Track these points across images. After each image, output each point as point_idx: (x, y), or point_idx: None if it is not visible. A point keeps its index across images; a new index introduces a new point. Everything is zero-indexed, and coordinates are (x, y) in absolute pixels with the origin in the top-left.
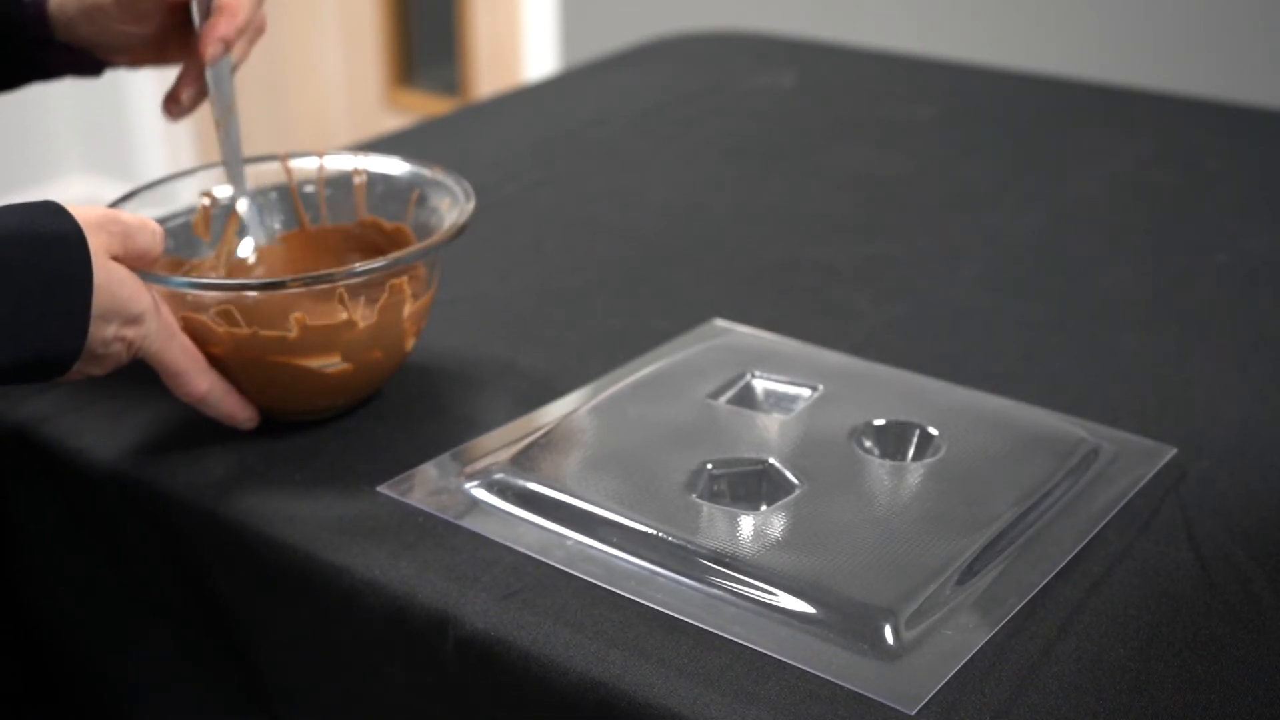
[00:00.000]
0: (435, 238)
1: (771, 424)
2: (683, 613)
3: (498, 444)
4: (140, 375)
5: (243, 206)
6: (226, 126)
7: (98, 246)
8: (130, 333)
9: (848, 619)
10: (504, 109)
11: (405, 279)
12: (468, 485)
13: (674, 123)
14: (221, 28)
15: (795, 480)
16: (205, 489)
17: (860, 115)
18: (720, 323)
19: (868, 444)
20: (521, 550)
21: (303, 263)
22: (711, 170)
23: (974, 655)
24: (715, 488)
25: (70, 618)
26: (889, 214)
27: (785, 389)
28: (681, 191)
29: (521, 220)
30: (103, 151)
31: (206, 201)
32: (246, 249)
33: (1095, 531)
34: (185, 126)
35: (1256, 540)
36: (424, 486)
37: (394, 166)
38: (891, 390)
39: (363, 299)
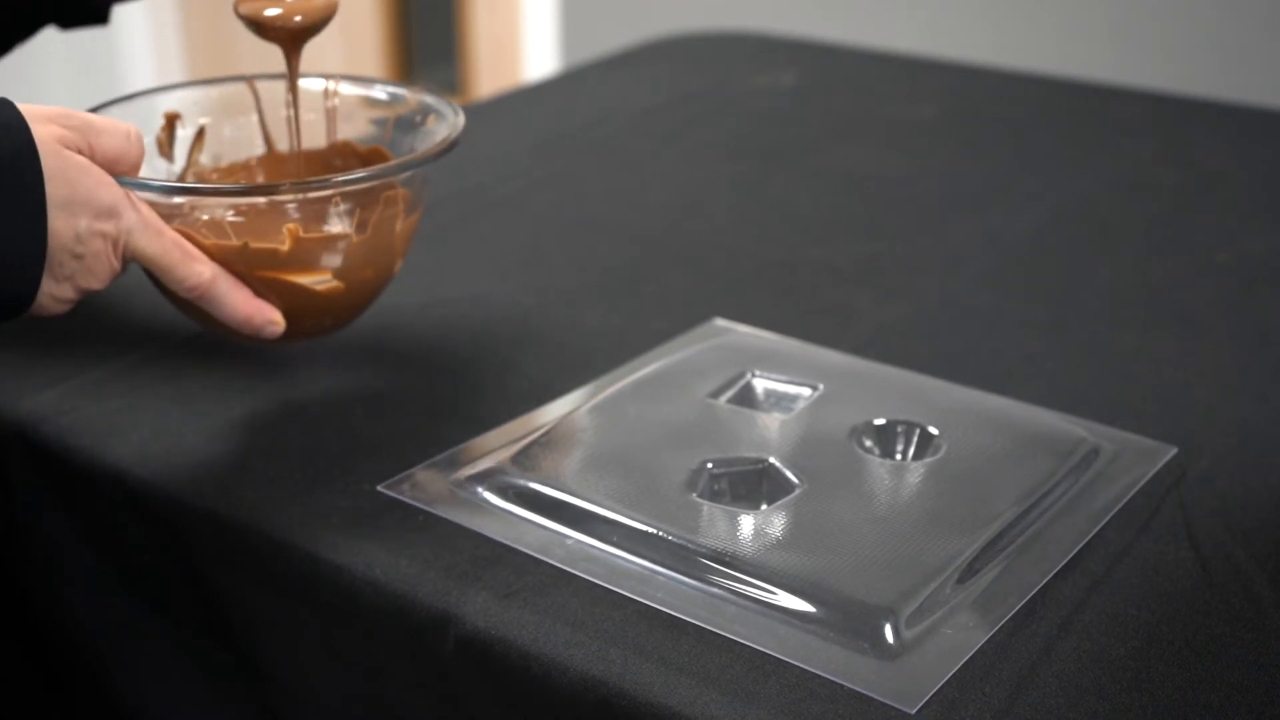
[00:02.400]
0: (433, 147)
1: (771, 424)
2: (683, 612)
3: (498, 444)
4: (141, 374)
5: (208, 125)
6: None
7: (47, 135)
8: (107, 226)
9: (848, 618)
10: (504, 109)
11: (401, 194)
12: (468, 485)
13: (674, 123)
14: None
15: (795, 480)
16: (205, 488)
17: (860, 115)
18: (720, 323)
19: (868, 443)
20: (522, 549)
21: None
22: (711, 170)
23: (974, 654)
24: (715, 487)
25: (71, 617)
26: (889, 214)
27: (785, 389)
28: (681, 191)
29: (521, 220)
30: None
31: (170, 120)
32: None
33: (1095, 531)
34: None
35: (1256, 539)
36: (424, 486)
37: (371, 88)
38: (891, 390)
39: (354, 214)
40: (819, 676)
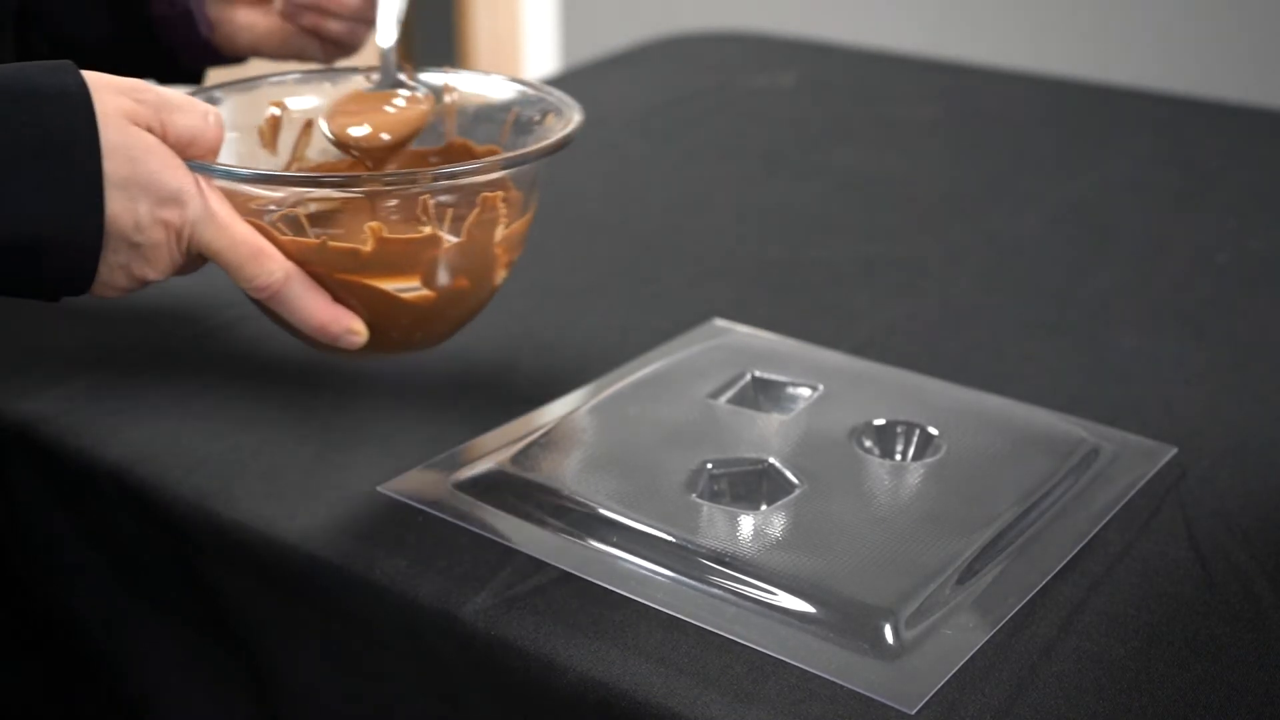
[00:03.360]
0: (539, 146)
1: (771, 424)
2: (683, 612)
3: (498, 444)
4: (141, 374)
5: (317, 117)
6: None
7: (111, 108)
8: (171, 215)
9: (848, 618)
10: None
11: (500, 196)
12: (468, 485)
13: (674, 123)
14: None
15: (795, 480)
16: (206, 488)
17: (860, 115)
18: (720, 323)
19: (868, 444)
20: (522, 550)
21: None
22: (711, 170)
23: (974, 655)
24: (715, 487)
25: (71, 617)
26: (889, 214)
27: (785, 389)
28: (681, 191)
29: None
30: None
31: (277, 111)
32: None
33: (1095, 531)
34: None
35: (1257, 540)
36: (424, 486)
37: (492, 84)
38: (891, 390)
39: (450, 216)
40: (819, 677)
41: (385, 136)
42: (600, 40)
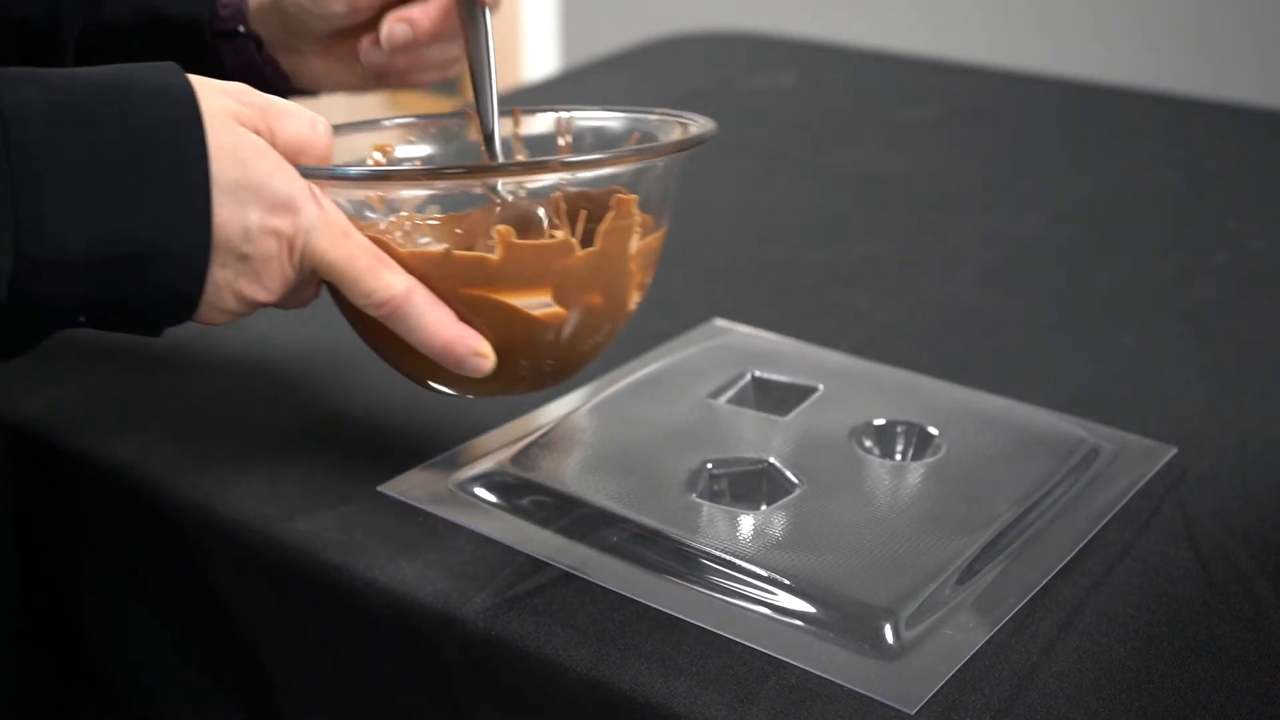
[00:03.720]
0: (676, 141)
1: (771, 424)
2: (683, 612)
3: (498, 444)
4: (141, 374)
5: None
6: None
7: (216, 107)
8: (282, 223)
9: (848, 618)
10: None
11: (635, 200)
12: (468, 485)
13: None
14: None
15: (795, 480)
16: (206, 488)
17: (860, 115)
18: (720, 323)
19: (868, 444)
20: (522, 550)
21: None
22: (711, 170)
23: (974, 655)
24: (715, 487)
25: (72, 617)
26: (889, 214)
27: (785, 389)
28: (682, 191)
29: None
30: None
31: (381, 159)
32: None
33: (1095, 531)
34: None
35: (1257, 540)
36: (424, 486)
37: (605, 117)
38: (891, 390)
39: (579, 220)
40: (819, 677)
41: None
42: (600, 40)
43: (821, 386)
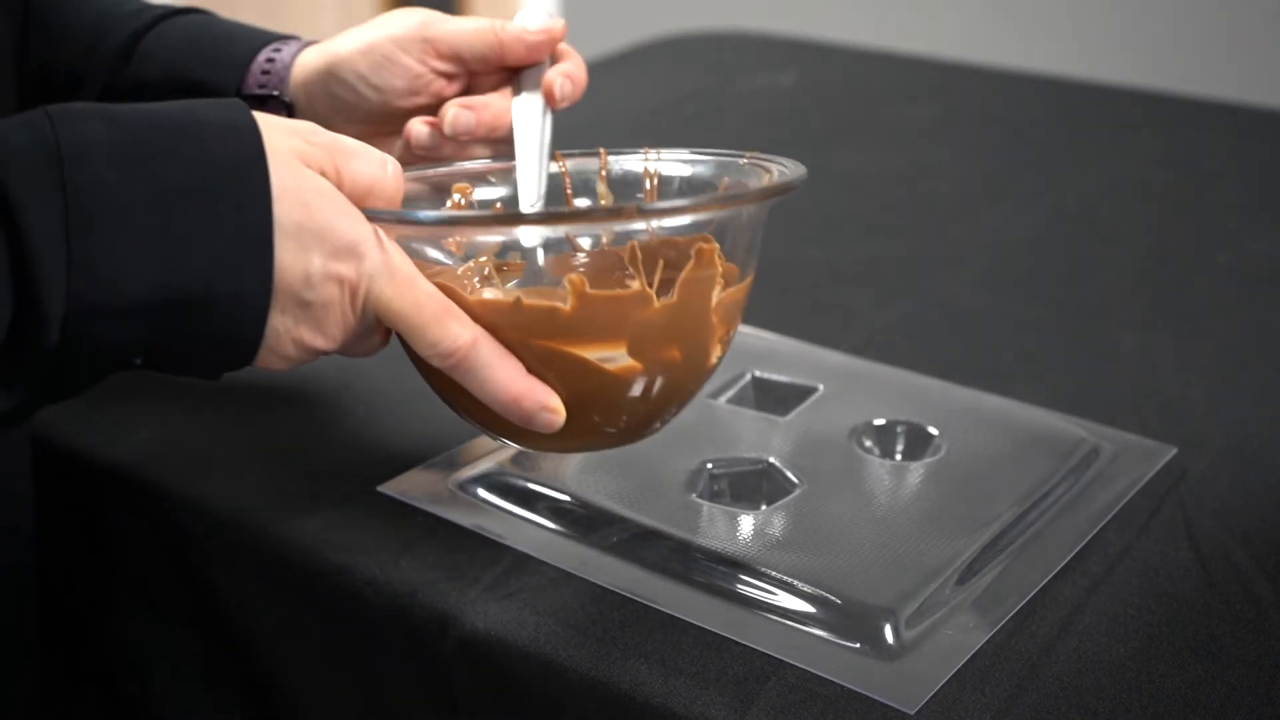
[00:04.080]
0: (762, 188)
1: (771, 424)
2: (683, 612)
3: (497, 444)
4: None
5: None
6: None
7: (281, 146)
8: (345, 269)
9: (848, 618)
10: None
11: (717, 249)
12: (468, 485)
13: (674, 123)
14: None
15: (795, 480)
16: (206, 488)
17: (860, 115)
18: None
19: (868, 443)
20: (522, 550)
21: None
22: None
23: (974, 655)
24: (715, 487)
25: (72, 617)
26: (889, 214)
27: (785, 389)
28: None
29: None
30: None
31: (460, 201)
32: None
33: (1095, 531)
34: None
35: (1257, 540)
36: (424, 486)
37: (693, 160)
38: (891, 390)
39: (657, 269)
40: (819, 677)
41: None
42: (600, 40)
43: (821, 386)
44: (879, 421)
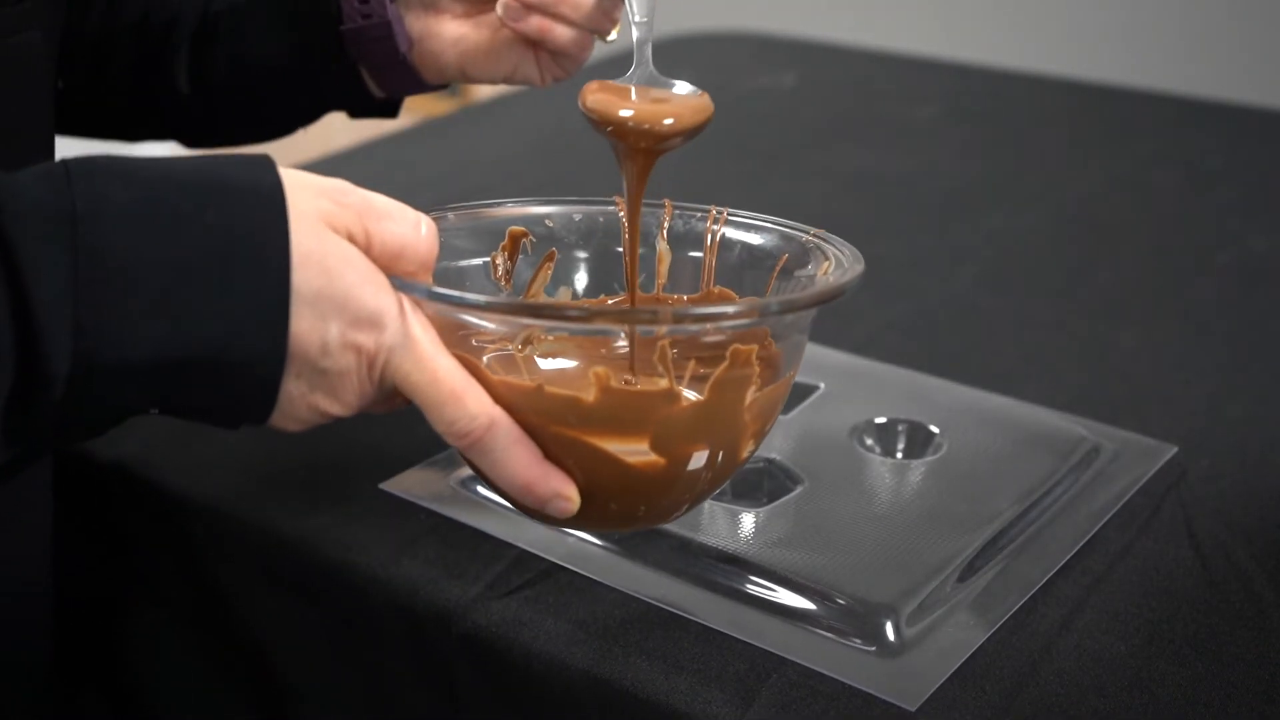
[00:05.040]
0: (809, 293)
1: None
2: (684, 609)
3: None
4: None
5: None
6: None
7: (307, 209)
8: (365, 339)
9: (849, 616)
10: (504, 109)
11: (755, 350)
12: (469, 483)
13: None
14: None
15: (797, 478)
16: (209, 487)
17: (860, 115)
18: None
19: (869, 442)
20: (523, 547)
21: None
22: (712, 170)
23: (975, 652)
24: None
25: (74, 617)
26: (889, 214)
27: None
28: (682, 191)
29: None
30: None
31: (519, 229)
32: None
33: (1096, 530)
34: None
35: (1257, 538)
36: (426, 484)
37: (757, 227)
38: (893, 388)
39: (691, 367)
40: (820, 674)
41: (668, 121)
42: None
43: (823, 385)
44: (880, 420)
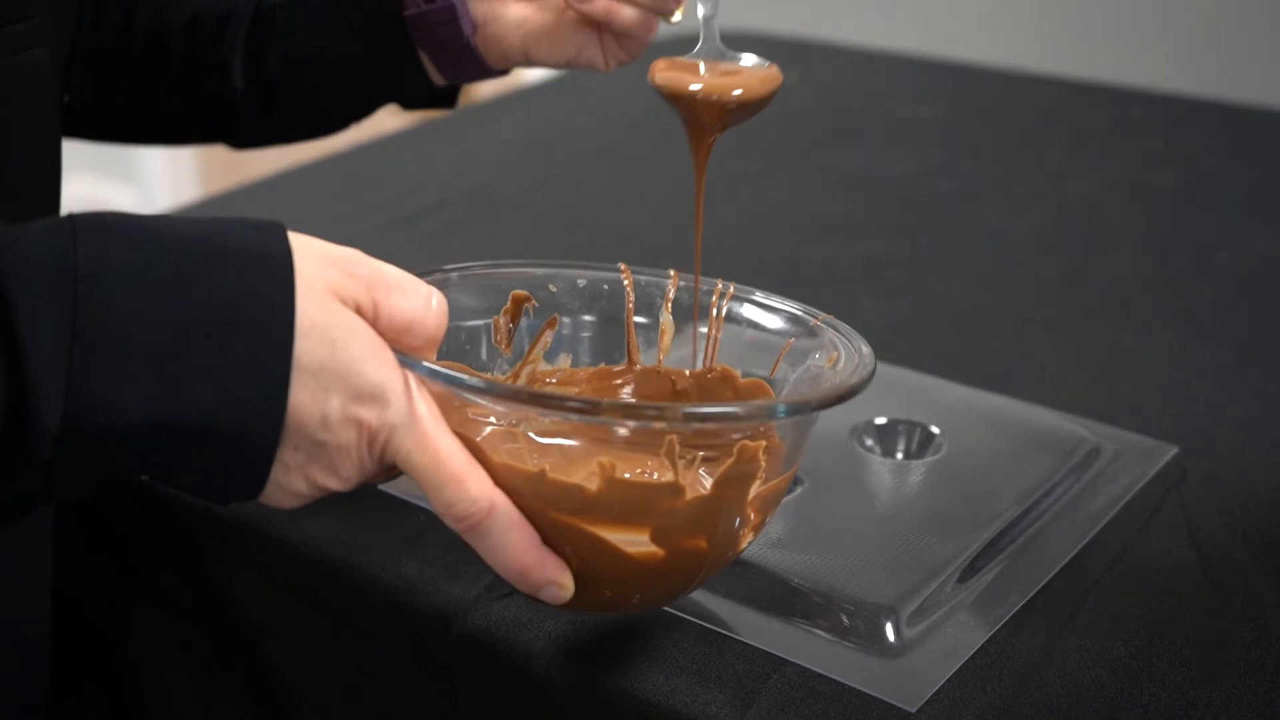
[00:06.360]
0: (821, 393)
1: None
2: (684, 610)
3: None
4: None
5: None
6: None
7: (315, 279)
8: (367, 414)
9: (849, 617)
10: (504, 109)
11: (762, 445)
12: None
13: (674, 122)
14: None
15: (797, 478)
16: None
17: (861, 115)
18: None
19: (869, 442)
20: None
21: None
22: (712, 170)
23: (975, 653)
24: None
25: (75, 618)
26: (889, 214)
27: None
28: (682, 191)
29: (523, 220)
30: (101, 150)
31: (518, 303)
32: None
33: (1096, 530)
34: None
35: (1257, 539)
36: None
37: (765, 305)
38: (893, 389)
39: (698, 460)
40: (820, 675)
41: (737, 92)
42: None
43: None
44: (880, 420)
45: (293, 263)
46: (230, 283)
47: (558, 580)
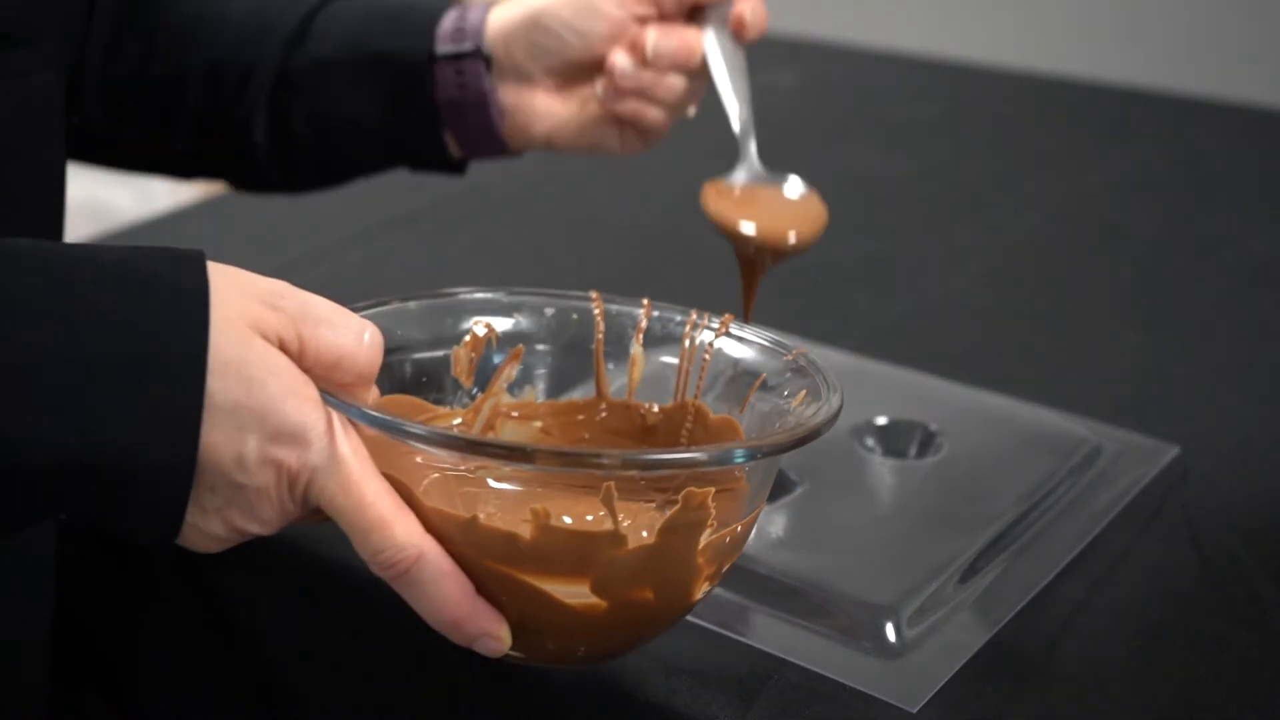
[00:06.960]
0: (775, 438)
1: None
2: None
3: None
4: None
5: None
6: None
7: (233, 313)
8: (287, 455)
9: (850, 617)
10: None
11: (710, 493)
12: None
13: (674, 123)
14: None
15: (797, 479)
16: None
17: (861, 115)
18: None
19: (869, 442)
20: None
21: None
22: (712, 170)
23: (976, 653)
24: None
25: (75, 618)
26: (890, 213)
27: None
28: (682, 191)
29: (523, 220)
30: None
31: (481, 333)
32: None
33: (1097, 530)
34: None
35: (1259, 539)
36: None
37: (738, 338)
38: (893, 389)
39: (645, 507)
40: (820, 675)
41: (792, 237)
42: None
43: None
44: (880, 420)
45: (208, 296)
46: (141, 315)
47: (493, 632)
